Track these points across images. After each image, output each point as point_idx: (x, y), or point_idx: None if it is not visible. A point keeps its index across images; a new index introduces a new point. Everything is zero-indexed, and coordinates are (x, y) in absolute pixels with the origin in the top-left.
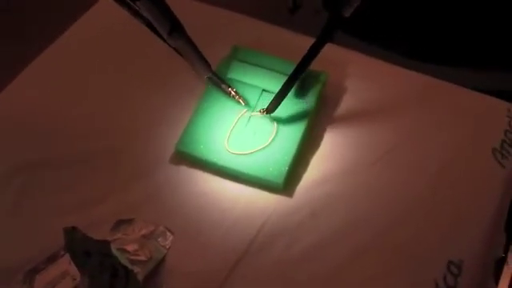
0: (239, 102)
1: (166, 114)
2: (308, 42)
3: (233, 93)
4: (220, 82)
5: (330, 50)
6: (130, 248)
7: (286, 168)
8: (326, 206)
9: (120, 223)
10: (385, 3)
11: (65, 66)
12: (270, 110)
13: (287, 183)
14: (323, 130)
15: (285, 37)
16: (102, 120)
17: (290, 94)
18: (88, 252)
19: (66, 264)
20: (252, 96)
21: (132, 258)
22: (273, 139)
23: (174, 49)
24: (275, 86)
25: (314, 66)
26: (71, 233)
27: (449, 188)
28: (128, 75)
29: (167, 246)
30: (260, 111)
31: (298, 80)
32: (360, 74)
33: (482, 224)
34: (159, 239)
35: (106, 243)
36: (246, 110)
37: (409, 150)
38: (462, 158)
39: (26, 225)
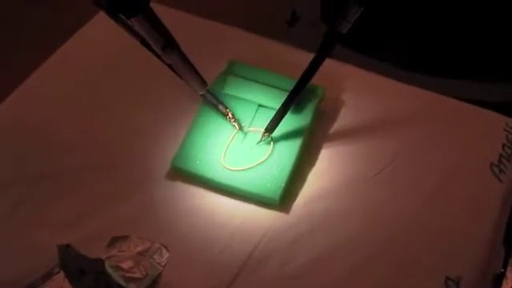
0: (234, 125)
1: (163, 130)
2: (305, 56)
3: (230, 115)
4: (216, 101)
5: (327, 64)
6: (125, 265)
7: (283, 184)
8: (323, 222)
9: (115, 240)
10: (382, 16)
11: (61, 80)
12: (269, 129)
13: (284, 199)
14: (320, 146)
15: (282, 51)
16: (98, 135)
17: (287, 112)
18: (82, 270)
19: (60, 281)
20: (248, 111)
21: (127, 275)
22: (269, 155)
23: (169, 65)
24: (271, 101)
25: (311, 80)
26: (65, 250)
27: (447, 203)
28: (124, 90)
29: (163, 263)
30: (263, 135)
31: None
32: (357, 89)
33: (481, 239)
34: (155, 256)
35: (100, 261)
36: (242, 125)
37: (406, 165)
38: (460, 173)
39: (22, 239)
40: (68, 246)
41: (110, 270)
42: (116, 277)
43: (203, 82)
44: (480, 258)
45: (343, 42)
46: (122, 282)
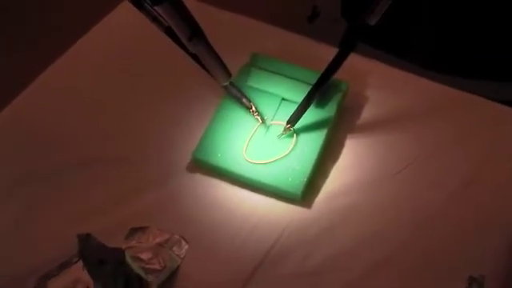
0: (257, 118)
1: (184, 122)
2: (328, 50)
3: (253, 108)
4: (239, 94)
5: (351, 59)
6: (144, 256)
7: (305, 179)
8: (345, 219)
9: (135, 231)
10: (404, 12)
11: (80, 72)
12: (292, 121)
13: (306, 194)
14: (343, 141)
15: (305, 45)
16: (118, 127)
17: (311, 104)
18: (102, 259)
19: (78, 271)
20: (271, 105)
21: (146, 266)
22: (292, 149)
23: (193, 56)
24: (295, 94)
25: (335, 75)
26: (85, 240)
27: (471, 201)
28: (145, 82)
29: (182, 256)
30: (286, 127)
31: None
32: (381, 84)
33: (505, 238)
34: (174, 248)
35: (120, 251)
36: (265, 118)
37: (430, 162)
38: (485, 171)
39: (40, 231)
40: (88, 235)
41: (129, 261)
42: (136, 268)
43: (228, 73)
44: (505, 257)
45: (363, 38)
46: (142, 273)
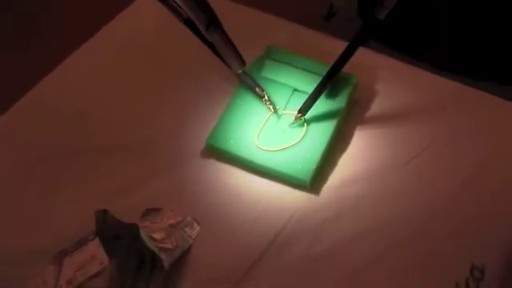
0: (269, 107)
1: (200, 109)
2: (342, 45)
3: (266, 97)
4: (252, 83)
5: (361, 54)
6: (157, 236)
7: (314, 166)
8: (352, 207)
9: (149, 212)
10: (417, 13)
11: (100, 61)
12: (303, 110)
13: (314, 182)
14: (353, 131)
15: (319, 40)
16: (136, 113)
17: (321, 95)
18: (117, 235)
19: (94, 248)
20: (283, 95)
21: (159, 245)
22: (302, 137)
23: (209, 45)
24: (307, 85)
25: (346, 68)
26: (102, 215)
27: (477, 193)
28: (163, 71)
29: (193, 236)
30: (297, 116)
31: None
32: (391, 79)
33: (508, 229)
34: (186, 229)
35: (135, 226)
36: (277, 108)
37: (439, 154)
38: (492, 164)
39: (58, 209)
40: (105, 211)
41: (144, 237)
42: (150, 244)
43: (242, 61)
44: (506, 247)
45: (376, 38)
46: (156, 249)
